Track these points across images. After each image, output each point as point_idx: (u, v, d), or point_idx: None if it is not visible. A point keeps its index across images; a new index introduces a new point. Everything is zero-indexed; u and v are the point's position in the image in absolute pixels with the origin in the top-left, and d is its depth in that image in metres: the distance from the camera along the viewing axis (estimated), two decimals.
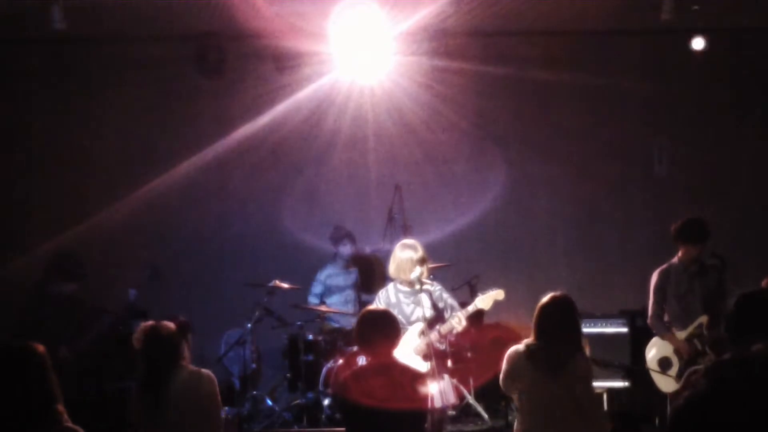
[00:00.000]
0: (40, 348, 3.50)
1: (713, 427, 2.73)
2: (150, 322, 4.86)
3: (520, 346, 4.87)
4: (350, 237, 8.54)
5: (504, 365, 4.91)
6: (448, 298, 6.30)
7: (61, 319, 7.12)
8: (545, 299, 4.89)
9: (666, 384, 6.83)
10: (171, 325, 4.82)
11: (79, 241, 8.36)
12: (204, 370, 4.81)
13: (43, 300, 7.24)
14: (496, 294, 6.18)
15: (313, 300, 8.41)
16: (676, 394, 6.65)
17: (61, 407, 3.44)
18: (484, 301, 6.19)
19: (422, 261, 6.11)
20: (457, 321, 6.08)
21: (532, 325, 4.89)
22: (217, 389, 4.79)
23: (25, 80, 8.93)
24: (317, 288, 8.46)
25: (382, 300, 6.23)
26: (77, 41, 8.62)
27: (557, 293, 4.91)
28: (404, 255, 6.15)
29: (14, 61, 8.87)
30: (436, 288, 6.25)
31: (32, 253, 8.28)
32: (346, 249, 8.51)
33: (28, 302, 7.32)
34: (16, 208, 8.87)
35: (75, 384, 6.62)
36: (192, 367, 4.81)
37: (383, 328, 4.69)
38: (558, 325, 4.82)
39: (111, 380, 7.18)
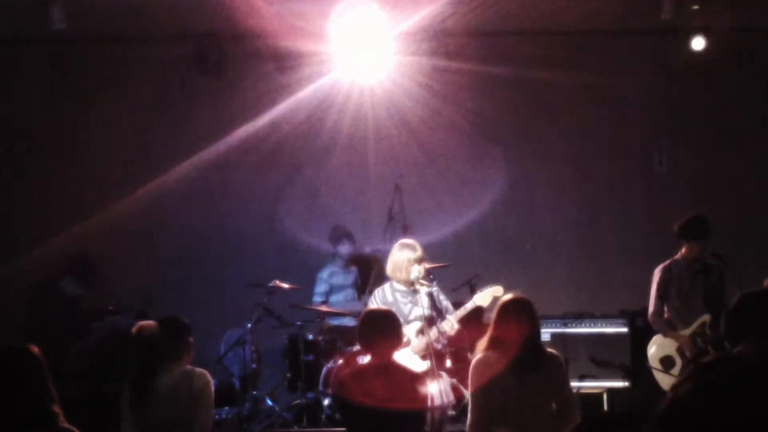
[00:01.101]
0: (36, 350, 3.52)
1: (697, 429, 2.73)
2: (137, 324, 4.89)
3: (489, 353, 4.74)
4: (349, 236, 8.53)
5: (475, 376, 4.74)
6: (443, 300, 6.30)
7: (65, 318, 7.12)
8: (507, 301, 4.80)
9: (668, 383, 6.81)
10: (152, 323, 4.84)
11: (79, 241, 8.35)
12: (197, 369, 4.81)
13: (50, 297, 7.22)
14: (495, 290, 6.19)
15: (318, 299, 8.39)
16: None
17: (57, 408, 3.44)
18: (483, 297, 6.19)
19: (420, 261, 6.11)
20: (450, 326, 6.09)
21: (493, 326, 4.77)
22: (210, 386, 4.77)
23: (25, 80, 8.93)
24: (322, 287, 8.44)
25: (378, 299, 6.23)
26: (77, 41, 8.62)
27: (514, 294, 4.86)
28: (402, 255, 6.15)
29: (14, 61, 8.87)
30: (434, 288, 6.26)
31: (32, 253, 8.28)
32: (344, 248, 8.50)
33: (36, 299, 7.29)
34: (16, 208, 8.86)
35: (74, 385, 6.62)
36: (187, 367, 4.80)
37: (384, 329, 4.70)
38: (531, 327, 4.72)
39: (110, 381, 7.17)
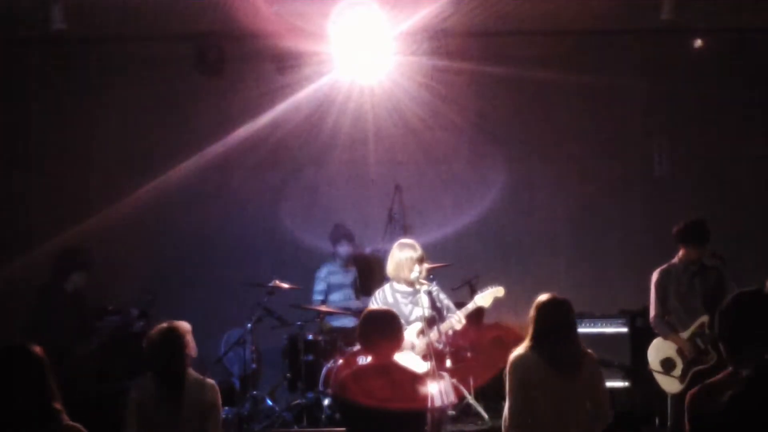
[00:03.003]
0: (38, 349, 3.53)
1: None
2: (168, 322, 4.85)
3: (522, 350, 4.69)
4: (348, 236, 8.53)
5: (513, 373, 4.67)
6: (444, 299, 6.30)
7: (69, 318, 7.12)
8: (544, 299, 4.74)
9: (670, 385, 6.82)
10: (187, 325, 4.83)
11: (80, 241, 8.35)
12: (208, 380, 4.83)
13: (54, 297, 7.21)
14: (496, 291, 6.18)
15: (318, 297, 8.38)
16: (679, 395, 6.65)
17: (59, 405, 3.45)
18: (484, 298, 6.19)
19: (421, 260, 6.11)
20: (457, 320, 6.09)
21: (531, 325, 4.71)
22: (219, 399, 4.79)
23: (25, 80, 8.94)
24: (320, 285, 8.44)
25: (379, 300, 6.22)
26: (77, 41, 8.62)
27: (552, 294, 4.79)
28: (403, 254, 6.15)
29: (14, 61, 8.87)
30: (433, 288, 6.26)
31: (33, 253, 8.28)
32: (343, 248, 8.50)
33: (40, 300, 7.28)
34: (17, 209, 8.87)
35: (76, 384, 6.62)
36: (196, 374, 4.81)
37: (384, 329, 4.70)
38: (563, 323, 4.70)
39: (111, 381, 7.18)
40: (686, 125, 9.38)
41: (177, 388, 4.67)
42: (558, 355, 4.64)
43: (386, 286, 6.30)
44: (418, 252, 6.14)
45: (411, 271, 6.08)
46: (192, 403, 4.69)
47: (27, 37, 8.56)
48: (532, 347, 4.69)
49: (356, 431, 4.64)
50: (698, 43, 8.82)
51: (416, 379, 4.65)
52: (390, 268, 6.25)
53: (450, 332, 6.20)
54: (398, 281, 6.23)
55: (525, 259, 9.31)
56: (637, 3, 8.16)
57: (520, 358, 4.69)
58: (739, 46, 9.09)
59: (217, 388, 4.81)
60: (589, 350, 4.85)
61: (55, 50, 8.81)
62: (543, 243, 9.42)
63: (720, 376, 3.29)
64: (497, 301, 6.34)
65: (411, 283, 6.12)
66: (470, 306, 6.19)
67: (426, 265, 6.23)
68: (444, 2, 7.73)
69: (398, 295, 6.21)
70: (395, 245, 6.30)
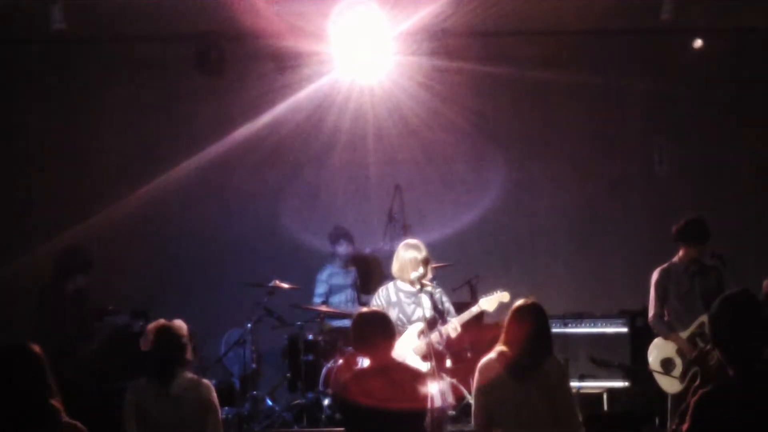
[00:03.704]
0: (35, 347, 3.54)
1: None
2: (162, 321, 4.87)
3: (492, 356, 4.75)
4: (347, 236, 8.52)
5: (477, 377, 4.76)
6: (446, 302, 6.30)
7: (70, 318, 7.13)
8: (516, 306, 4.79)
9: (669, 385, 6.81)
10: (183, 325, 4.85)
11: (80, 241, 8.34)
12: (204, 380, 4.87)
13: (54, 297, 7.21)
14: (502, 296, 6.18)
15: (318, 300, 8.38)
16: (679, 395, 6.64)
17: (57, 403, 3.47)
18: (489, 302, 6.19)
19: (426, 261, 6.11)
20: (453, 327, 6.09)
21: (503, 331, 4.78)
22: (216, 398, 4.81)
23: (25, 80, 8.94)
24: (321, 288, 8.44)
25: (382, 298, 6.23)
26: (77, 41, 8.63)
27: (527, 299, 4.82)
28: (408, 255, 6.15)
29: (14, 61, 8.88)
30: (436, 290, 6.26)
31: (33, 253, 8.28)
32: (342, 248, 8.50)
33: (41, 300, 7.28)
34: (16, 209, 8.87)
35: (76, 384, 6.62)
36: (191, 375, 4.83)
37: (381, 329, 4.70)
38: (530, 331, 4.69)
39: (111, 381, 7.17)
40: (686, 125, 9.37)
41: (167, 384, 4.68)
42: (516, 360, 4.67)
43: (390, 285, 6.30)
44: (422, 253, 6.14)
45: (414, 271, 6.07)
46: (189, 403, 4.70)
47: (27, 37, 8.57)
48: (499, 352, 4.74)
49: (356, 431, 4.64)
50: (698, 43, 8.81)
51: (416, 377, 4.65)
52: (395, 268, 6.26)
53: (444, 337, 6.21)
54: (402, 281, 6.24)
55: (525, 259, 9.30)
56: (637, 3, 8.16)
57: (484, 362, 4.76)
58: (739, 46, 9.08)
59: (211, 386, 4.83)
60: (556, 357, 4.90)
61: (55, 50, 8.81)
62: (543, 243, 9.41)
63: (724, 380, 3.29)
64: (502, 306, 6.33)
65: (414, 283, 6.12)
66: (474, 309, 6.19)
67: (431, 267, 6.24)
68: (444, 2, 7.73)
69: (401, 294, 6.21)
70: (401, 245, 6.31)
